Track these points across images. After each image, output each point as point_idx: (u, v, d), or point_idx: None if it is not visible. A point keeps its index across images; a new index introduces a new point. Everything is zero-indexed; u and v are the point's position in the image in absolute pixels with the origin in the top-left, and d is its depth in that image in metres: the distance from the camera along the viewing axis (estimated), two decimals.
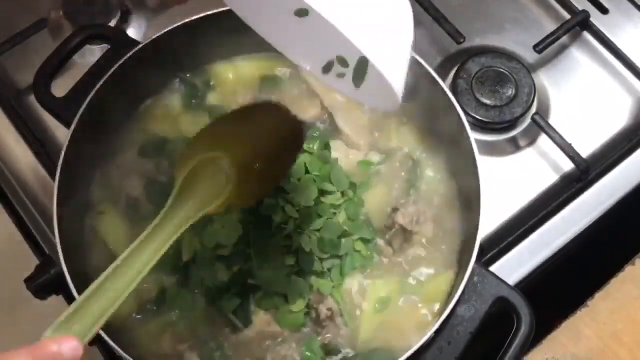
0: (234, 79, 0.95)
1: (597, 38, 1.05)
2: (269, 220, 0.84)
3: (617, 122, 1.00)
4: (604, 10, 1.06)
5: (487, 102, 0.98)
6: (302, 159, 0.87)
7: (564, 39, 1.04)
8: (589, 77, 1.03)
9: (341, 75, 0.72)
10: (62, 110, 0.88)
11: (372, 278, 0.84)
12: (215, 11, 0.88)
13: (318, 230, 0.84)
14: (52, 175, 0.87)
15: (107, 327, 0.75)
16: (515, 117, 0.97)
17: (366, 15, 0.59)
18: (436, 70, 0.89)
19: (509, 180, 0.96)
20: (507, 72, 0.99)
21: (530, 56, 1.03)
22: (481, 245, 0.79)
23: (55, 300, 0.87)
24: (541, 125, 0.97)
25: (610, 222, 0.95)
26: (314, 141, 0.90)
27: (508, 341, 0.77)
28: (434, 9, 1.04)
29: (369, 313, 0.83)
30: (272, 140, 0.78)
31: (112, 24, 1.04)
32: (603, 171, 0.96)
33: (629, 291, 0.90)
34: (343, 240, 0.84)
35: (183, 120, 0.94)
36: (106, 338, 0.74)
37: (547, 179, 0.96)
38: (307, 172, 0.86)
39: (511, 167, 0.97)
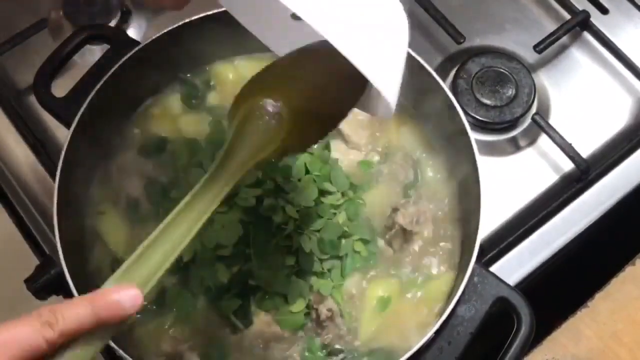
0: (234, 79, 0.95)
1: (597, 38, 1.05)
2: (269, 221, 0.84)
3: (617, 122, 1.00)
4: (604, 10, 1.06)
5: (487, 102, 0.98)
6: (302, 158, 0.87)
7: (564, 39, 1.04)
8: (589, 77, 1.03)
9: None
10: (62, 110, 0.88)
11: (372, 278, 0.84)
12: (215, 11, 0.88)
13: (318, 231, 0.84)
14: (52, 175, 0.87)
15: None
16: (515, 117, 0.97)
17: (360, 27, 0.59)
18: (436, 70, 0.89)
19: (509, 180, 0.96)
20: (507, 72, 0.99)
21: (530, 56, 1.03)
22: (481, 245, 0.79)
23: (55, 300, 0.87)
24: (541, 125, 0.97)
25: (610, 222, 0.95)
26: None
27: (508, 341, 0.77)
28: (434, 9, 1.04)
29: (369, 313, 0.83)
30: (331, 81, 0.71)
31: (112, 24, 1.04)
32: (603, 171, 0.96)
33: (629, 291, 0.90)
34: (343, 240, 0.84)
35: (183, 120, 0.94)
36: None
37: (547, 179, 0.96)
38: (307, 172, 0.86)
39: (511, 167, 0.97)
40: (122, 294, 0.56)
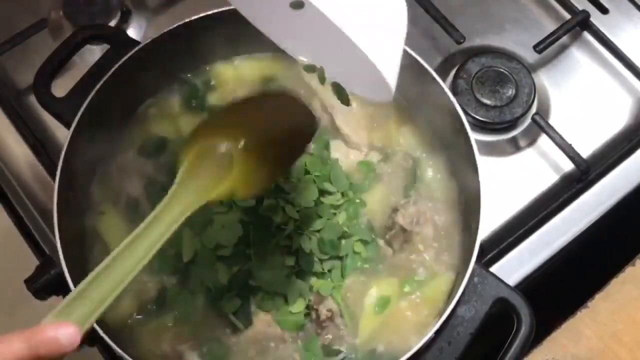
0: (234, 79, 0.96)
1: (597, 38, 1.05)
2: (269, 221, 0.84)
3: (617, 122, 1.00)
4: (604, 10, 1.06)
5: (487, 102, 0.98)
6: (302, 159, 0.87)
7: (564, 39, 1.04)
8: (589, 77, 1.03)
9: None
10: (62, 110, 0.88)
11: (372, 278, 0.84)
12: (215, 11, 0.88)
13: (318, 231, 0.84)
14: (52, 175, 0.87)
15: (107, 328, 0.76)
16: (515, 117, 0.97)
17: (360, 8, 0.60)
18: (436, 70, 0.89)
19: (509, 180, 0.96)
20: (507, 72, 0.99)
21: (530, 56, 1.03)
22: (481, 246, 0.79)
23: (55, 300, 0.87)
24: (541, 125, 0.97)
25: (610, 223, 0.95)
26: (314, 141, 0.90)
27: (508, 342, 0.77)
28: (434, 9, 1.04)
29: (369, 313, 0.83)
30: (280, 129, 0.75)
31: (112, 24, 1.04)
32: (603, 171, 0.96)
33: (629, 292, 0.90)
34: (343, 241, 0.84)
35: (183, 120, 0.94)
36: (106, 338, 0.74)
37: (547, 179, 0.96)
38: (307, 172, 0.86)
39: (511, 167, 0.97)
40: (60, 331, 0.56)
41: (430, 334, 0.76)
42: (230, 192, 0.71)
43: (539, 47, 1.02)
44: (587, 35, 1.05)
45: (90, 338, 0.75)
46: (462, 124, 0.84)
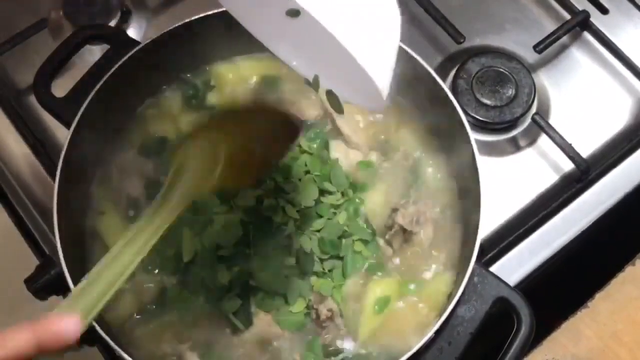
0: (234, 79, 0.95)
1: (597, 38, 1.05)
2: (269, 221, 0.84)
3: (617, 122, 1.00)
4: (604, 10, 1.06)
5: (487, 102, 0.98)
6: (302, 159, 0.87)
7: (564, 39, 1.04)
8: (589, 77, 1.03)
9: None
10: (62, 110, 0.88)
11: (372, 278, 0.84)
12: (215, 11, 0.88)
13: (318, 231, 0.84)
14: (52, 175, 0.87)
15: (107, 328, 0.76)
16: (515, 117, 0.97)
17: (353, 16, 0.60)
18: (436, 70, 0.89)
19: (509, 180, 0.96)
20: (507, 72, 0.99)
21: (530, 56, 1.03)
22: (481, 245, 0.79)
23: (56, 300, 0.87)
24: (541, 125, 0.97)
25: (611, 222, 0.95)
26: (314, 141, 0.90)
27: (508, 341, 0.77)
28: (434, 9, 1.04)
29: (369, 313, 0.83)
30: (263, 134, 0.80)
31: (112, 24, 1.04)
32: (603, 171, 0.96)
33: (629, 291, 0.90)
34: (343, 240, 0.84)
35: (183, 120, 0.94)
36: (106, 338, 0.74)
37: (547, 179, 0.96)
38: (307, 172, 0.86)
39: (511, 167, 0.97)
40: (64, 322, 0.58)
41: (430, 334, 0.76)
42: (219, 185, 0.75)
43: (539, 47, 1.02)
44: (587, 35, 1.05)
45: (90, 338, 0.75)
46: (462, 124, 0.84)
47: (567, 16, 1.05)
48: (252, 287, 0.82)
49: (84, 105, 0.85)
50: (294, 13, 0.69)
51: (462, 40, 1.02)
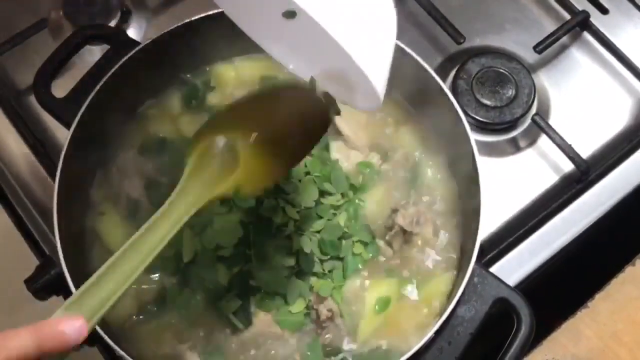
0: (234, 79, 0.96)
1: (597, 38, 1.05)
2: (269, 222, 0.84)
3: (617, 122, 1.00)
4: (604, 10, 1.06)
5: (487, 102, 0.98)
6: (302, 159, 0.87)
7: (564, 39, 1.04)
8: (589, 77, 1.03)
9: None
10: (62, 110, 0.88)
11: (372, 278, 0.85)
12: (215, 11, 0.88)
13: (318, 232, 0.84)
14: (52, 175, 0.87)
15: (107, 328, 0.76)
16: (515, 117, 0.97)
17: (350, 15, 0.60)
18: (436, 70, 0.89)
19: (509, 181, 0.96)
20: (507, 73, 0.99)
21: (530, 56, 1.03)
22: (481, 246, 0.80)
23: (56, 300, 0.87)
24: (541, 126, 0.97)
25: (610, 223, 0.95)
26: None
27: (508, 341, 0.77)
28: (434, 9, 1.04)
29: (369, 313, 0.83)
30: (289, 124, 0.75)
31: (112, 24, 1.04)
32: (603, 172, 0.96)
33: (629, 292, 0.90)
34: (343, 241, 0.84)
35: (183, 120, 0.94)
36: (106, 338, 0.74)
37: (547, 179, 0.96)
38: (308, 173, 0.86)
39: (511, 167, 0.97)
40: (68, 325, 0.57)
41: (430, 334, 0.76)
42: (236, 188, 0.72)
43: (539, 48, 1.02)
44: (587, 36, 1.05)
45: (90, 338, 0.75)
46: (462, 124, 0.84)
47: (567, 16, 1.05)
48: (252, 287, 0.82)
49: (84, 106, 0.85)
50: (290, 15, 0.70)
51: (462, 41, 1.02)
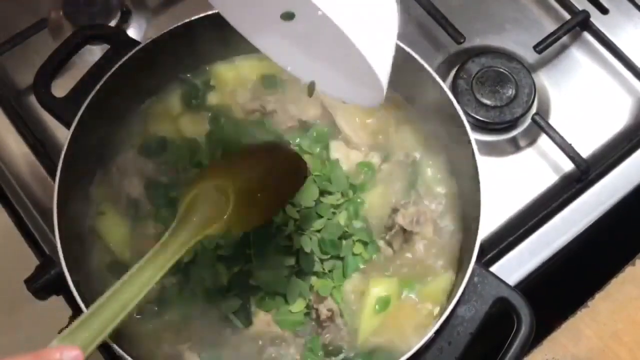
0: (234, 79, 0.95)
1: (597, 38, 1.05)
2: (269, 221, 0.83)
3: (617, 122, 1.00)
4: (604, 10, 1.06)
5: (487, 102, 0.98)
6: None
7: (564, 39, 1.04)
8: (589, 77, 1.03)
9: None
10: (62, 110, 0.88)
11: (372, 278, 0.84)
12: (215, 11, 0.88)
13: (318, 231, 0.84)
14: (52, 175, 0.87)
15: None
16: (515, 117, 0.97)
17: (354, 7, 0.60)
18: (436, 70, 0.89)
19: (509, 180, 0.96)
20: (507, 72, 0.99)
21: (530, 56, 1.03)
22: (481, 245, 0.79)
23: (55, 300, 0.87)
24: (541, 125, 0.97)
25: (610, 222, 0.95)
26: (314, 142, 0.90)
27: (508, 341, 0.77)
28: (434, 9, 1.04)
29: (369, 313, 0.83)
30: (273, 174, 0.83)
31: (112, 24, 1.04)
32: (603, 171, 0.96)
33: (629, 291, 0.90)
34: (344, 241, 0.84)
35: (183, 120, 0.94)
36: (106, 338, 0.74)
37: (547, 179, 0.96)
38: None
39: (511, 167, 0.97)
40: (65, 354, 0.59)
41: (430, 334, 0.76)
42: (226, 228, 0.76)
43: (539, 47, 1.02)
44: (587, 35, 1.05)
45: None
46: (462, 124, 0.84)
47: (567, 16, 1.05)
48: (252, 287, 0.82)
49: (84, 105, 0.85)
50: (289, 16, 0.70)
51: (462, 40, 1.02)
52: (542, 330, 0.85)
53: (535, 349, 0.87)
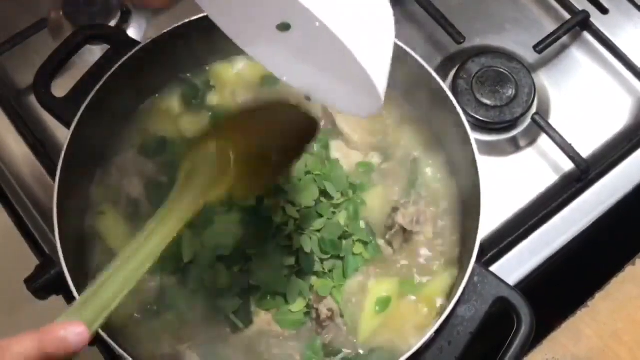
0: (234, 79, 0.96)
1: (597, 38, 1.05)
2: (269, 221, 0.84)
3: (617, 122, 1.00)
4: (604, 10, 1.06)
5: (487, 102, 0.98)
6: (303, 159, 0.87)
7: (564, 39, 1.04)
8: (589, 77, 1.03)
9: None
10: (62, 110, 0.88)
11: (372, 278, 0.84)
12: None
13: (318, 231, 0.84)
14: (52, 175, 0.87)
15: (107, 327, 0.76)
16: (515, 117, 0.97)
17: (352, 17, 0.60)
18: (436, 70, 0.89)
19: (509, 180, 0.96)
20: (507, 72, 0.99)
21: (530, 56, 1.03)
22: (481, 245, 0.79)
23: (55, 300, 0.87)
24: (541, 125, 0.97)
25: (610, 222, 0.95)
26: (314, 141, 0.90)
27: (508, 341, 0.77)
28: (434, 9, 1.04)
29: (369, 313, 0.83)
30: (277, 135, 0.78)
31: (112, 24, 1.04)
32: (603, 171, 0.96)
33: (629, 291, 0.90)
34: (344, 241, 0.84)
35: (183, 120, 0.94)
36: (106, 338, 0.74)
37: (547, 179, 0.96)
38: (308, 172, 0.86)
39: (511, 167, 0.97)
40: (69, 331, 0.58)
41: (430, 333, 0.76)
42: (229, 193, 0.74)
43: (539, 47, 1.02)
44: (587, 35, 1.05)
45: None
46: (462, 124, 0.84)
47: (567, 16, 1.05)
48: (252, 287, 0.82)
49: (84, 105, 0.85)
50: (285, 27, 0.70)
51: (462, 40, 1.02)
52: (542, 330, 0.85)
53: (535, 349, 0.87)
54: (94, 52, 1.01)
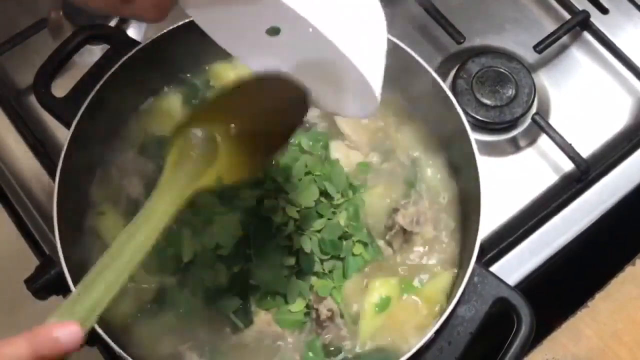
0: (234, 79, 0.95)
1: (597, 38, 1.05)
2: (269, 221, 0.84)
3: (617, 122, 1.00)
4: (604, 10, 1.06)
5: (487, 102, 0.98)
6: (303, 159, 0.87)
7: (564, 39, 1.04)
8: (589, 77, 1.03)
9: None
10: (62, 110, 0.88)
11: (372, 278, 0.84)
12: None
13: (318, 231, 0.84)
14: (52, 175, 0.87)
15: (107, 327, 0.76)
16: (515, 117, 0.97)
17: (342, 17, 0.60)
18: (436, 70, 0.89)
19: (509, 180, 0.96)
20: (507, 72, 0.99)
21: (530, 56, 1.03)
22: (481, 245, 0.79)
23: (55, 300, 0.87)
24: (541, 125, 0.97)
25: (611, 222, 0.95)
26: (314, 141, 0.90)
27: (508, 341, 0.77)
28: (434, 9, 1.04)
29: (369, 313, 0.83)
30: (267, 110, 0.73)
31: (112, 24, 1.04)
32: (603, 171, 0.96)
33: (629, 291, 0.90)
34: (344, 241, 0.84)
35: None
36: (106, 338, 0.74)
37: (547, 179, 0.96)
38: (308, 172, 0.86)
39: (511, 167, 0.97)
40: (62, 331, 0.56)
41: (430, 334, 0.76)
42: (218, 178, 0.71)
43: (539, 47, 1.02)
44: (587, 35, 1.05)
45: (90, 338, 0.75)
46: (462, 124, 0.84)
47: (567, 16, 1.05)
48: (252, 287, 0.82)
49: (84, 105, 0.85)
50: (274, 31, 0.69)
51: (462, 40, 1.02)
52: (542, 330, 0.85)
53: (535, 349, 0.87)
54: (94, 52, 1.01)
